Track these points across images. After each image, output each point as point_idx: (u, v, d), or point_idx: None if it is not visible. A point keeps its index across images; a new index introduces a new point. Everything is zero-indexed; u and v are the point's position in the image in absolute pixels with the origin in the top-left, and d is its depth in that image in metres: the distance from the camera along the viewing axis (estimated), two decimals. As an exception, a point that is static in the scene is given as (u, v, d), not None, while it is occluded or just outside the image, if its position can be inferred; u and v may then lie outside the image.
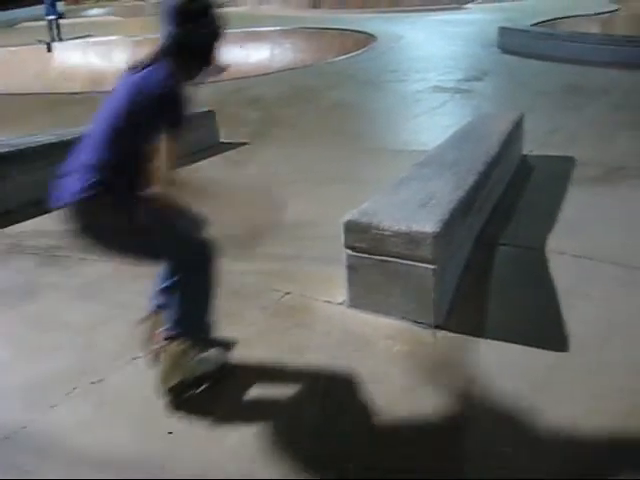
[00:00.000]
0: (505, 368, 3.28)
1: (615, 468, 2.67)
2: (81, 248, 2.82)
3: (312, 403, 3.08)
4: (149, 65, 2.66)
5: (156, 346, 3.00)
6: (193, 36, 2.66)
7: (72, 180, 2.63)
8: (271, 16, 22.14)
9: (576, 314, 3.71)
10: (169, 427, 2.87)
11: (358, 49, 15.32)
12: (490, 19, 17.32)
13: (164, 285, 2.92)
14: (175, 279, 2.85)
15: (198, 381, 3.07)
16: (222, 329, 3.65)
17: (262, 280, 4.24)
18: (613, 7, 19.37)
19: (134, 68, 2.71)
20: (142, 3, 35.95)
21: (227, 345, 3.33)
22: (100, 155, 2.62)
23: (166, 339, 2.94)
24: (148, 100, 2.58)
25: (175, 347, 2.93)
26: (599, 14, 18.39)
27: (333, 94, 10.82)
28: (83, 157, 2.66)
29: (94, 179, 2.58)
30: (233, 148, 7.87)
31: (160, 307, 3.05)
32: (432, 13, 21.27)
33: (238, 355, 3.38)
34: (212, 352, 3.18)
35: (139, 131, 2.61)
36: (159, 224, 2.73)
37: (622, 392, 3.10)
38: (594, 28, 16.91)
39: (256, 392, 3.14)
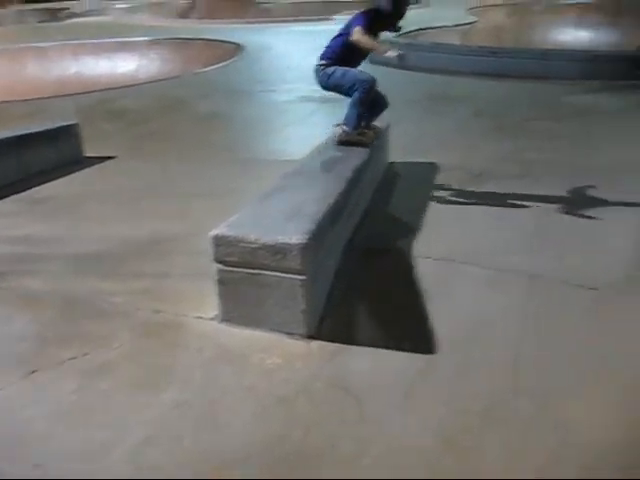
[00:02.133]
0: (378, 375, 3.33)
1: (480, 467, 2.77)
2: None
3: (184, 420, 3.01)
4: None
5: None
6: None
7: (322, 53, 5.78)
8: (138, 26, 21.64)
9: (443, 316, 3.83)
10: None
11: (227, 60, 15.25)
12: (356, 30, 17.74)
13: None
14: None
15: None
16: (90, 353, 3.52)
17: (131, 299, 4.10)
18: (472, 19, 20.29)
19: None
20: None
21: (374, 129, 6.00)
22: (331, 45, 5.75)
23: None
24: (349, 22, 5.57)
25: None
26: (459, 25, 19.21)
27: (202, 105, 10.70)
28: (326, 46, 5.78)
29: (327, 55, 5.73)
30: (99, 162, 7.60)
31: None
32: (300, 24, 21.52)
33: (106, 380, 3.26)
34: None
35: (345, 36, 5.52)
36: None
37: (487, 391, 3.22)
38: (455, 39, 17.65)
39: (127, 413, 3.04)
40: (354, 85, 5.58)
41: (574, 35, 21.06)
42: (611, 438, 2.92)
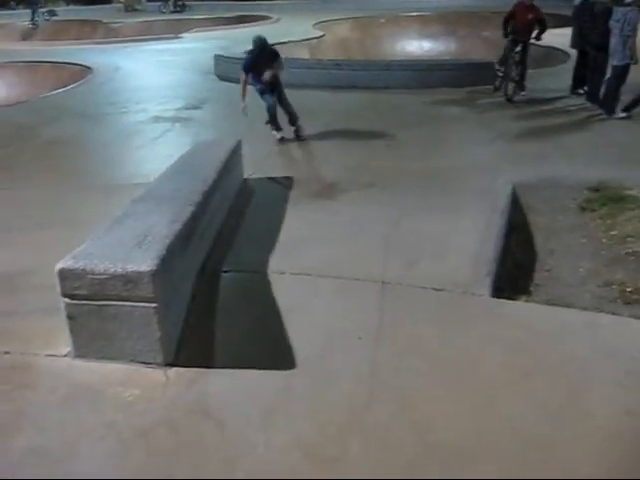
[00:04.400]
0: (236, 396, 3.35)
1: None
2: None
3: (40, 467, 2.90)
4: None
5: None
6: None
7: None
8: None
9: (299, 330, 3.90)
10: None
11: (74, 82, 14.73)
12: (205, 47, 17.63)
13: None
14: None
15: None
16: None
17: (-25, 342, 3.88)
18: (319, 33, 20.72)
19: None
20: None
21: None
22: None
23: None
24: None
25: None
26: (307, 40, 19.55)
27: (50, 130, 10.27)
28: None
29: None
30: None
31: None
32: (148, 43, 21.13)
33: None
34: None
35: None
36: None
37: (345, 402, 3.31)
38: (303, 53, 17.95)
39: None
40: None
41: (417, 45, 22.04)
42: (464, 435, 3.09)
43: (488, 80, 11.53)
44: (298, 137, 8.86)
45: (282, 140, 8.72)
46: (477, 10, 23.38)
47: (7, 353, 3.77)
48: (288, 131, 8.87)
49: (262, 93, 8.69)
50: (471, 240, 5.25)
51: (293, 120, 8.93)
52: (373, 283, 4.56)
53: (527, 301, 4.64)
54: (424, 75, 12.42)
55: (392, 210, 5.96)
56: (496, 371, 3.55)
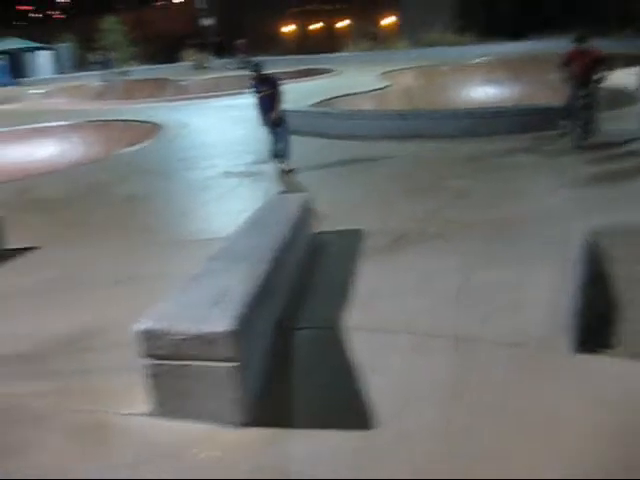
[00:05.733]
0: (316, 458, 3.32)
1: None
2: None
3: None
4: None
5: None
6: None
7: None
8: (55, 110, 21.50)
9: (376, 388, 3.86)
10: None
11: (145, 139, 15.27)
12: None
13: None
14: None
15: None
16: (17, 462, 3.39)
17: (56, 400, 3.98)
18: (385, 84, 20.97)
19: None
20: None
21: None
22: None
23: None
24: None
25: None
26: (373, 91, 19.81)
27: (123, 188, 10.63)
28: None
29: None
30: (19, 255, 7.43)
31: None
32: (216, 99, 21.77)
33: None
34: None
35: None
36: None
37: (423, 462, 3.25)
38: (368, 104, 18.17)
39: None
40: None
41: (482, 92, 22.01)
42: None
43: (555, 125, 11.39)
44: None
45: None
46: (540, 54, 23.28)
47: (86, 412, 3.84)
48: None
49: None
50: (546, 291, 5.13)
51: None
52: (447, 339, 4.49)
53: (611, 355, 4.49)
54: (490, 122, 12.38)
55: (462, 262, 5.90)
56: (574, 429, 3.43)
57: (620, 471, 3.11)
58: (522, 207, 7.60)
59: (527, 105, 15.57)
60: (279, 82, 10.87)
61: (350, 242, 6.77)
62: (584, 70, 10.47)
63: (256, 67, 10.92)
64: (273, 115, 10.56)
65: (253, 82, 10.90)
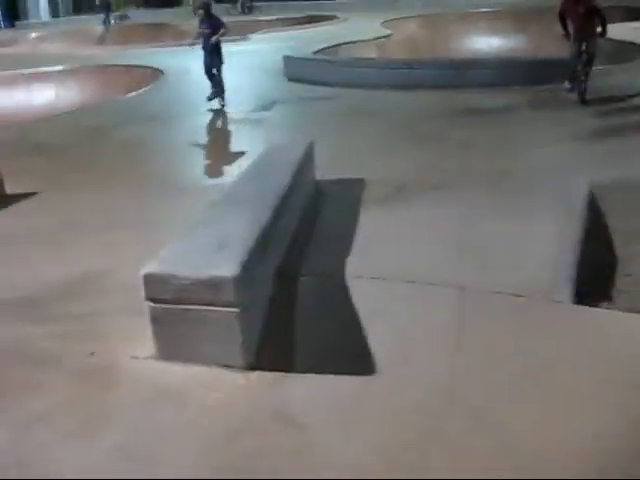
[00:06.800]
0: (316, 401, 3.37)
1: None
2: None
3: (127, 462, 2.98)
4: None
5: None
6: None
7: None
8: (53, 55, 21.17)
9: (377, 335, 3.90)
10: None
11: (146, 84, 15.08)
12: (274, 48, 17.75)
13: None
14: None
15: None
16: (23, 403, 3.44)
17: (61, 343, 4.02)
18: (387, 32, 20.63)
19: None
20: None
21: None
22: None
23: None
24: None
25: None
26: (375, 39, 19.50)
27: (123, 133, 10.53)
28: None
29: None
30: (21, 200, 7.41)
31: None
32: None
33: (42, 430, 3.20)
34: None
35: None
36: None
37: (424, 406, 3.30)
38: (372, 53, 17.93)
39: (65, 462, 2.99)
40: None
41: (487, 43, 21.69)
42: (544, 437, 3.05)
43: (562, 78, 11.25)
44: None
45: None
46: (548, 5, 22.86)
47: (92, 354, 3.88)
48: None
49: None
50: (547, 244, 5.15)
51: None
52: (449, 288, 4.52)
53: (609, 308, 4.53)
54: (493, 73, 12.24)
55: (464, 212, 5.92)
56: (576, 379, 3.48)
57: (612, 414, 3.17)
58: (525, 159, 7.56)
59: (531, 57, 15.41)
60: (221, 24, 11.34)
61: (351, 190, 6.76)
62: (580, 22, 10.11)
63: (205, 6, 11.50)
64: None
65: (200, 22, 11.44)
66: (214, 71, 11.39)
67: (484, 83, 11.86)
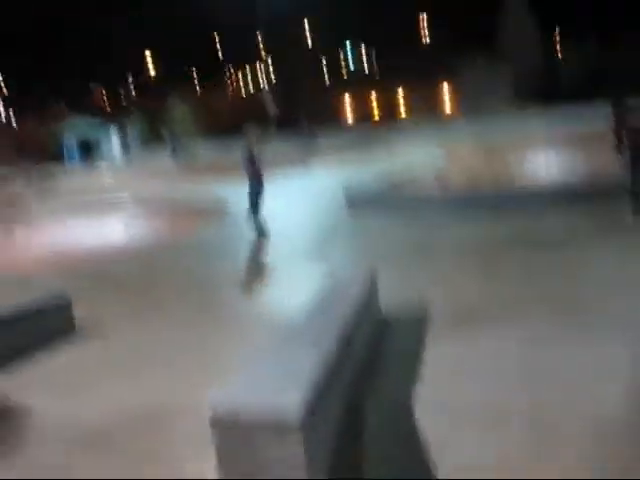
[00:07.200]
0: None
1: None
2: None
3: None
4: None
5: None
6: None
7: None
8: (123, 188, 22.26)
9: (449, 465, 3.81)
10: None
11: (213, 219, 15.53)
12: (335, 177, 18.15)
13: None
14: None
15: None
16: None
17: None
18: (443, 160, 20.95)
19: None
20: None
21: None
22: None
23: None
24: None
25: None
26: (432, 168, 19.78)
27: (189, 268, 10.81)
28: None
29: None
30: (91, 333, 7.58)
31: None
32: (279, 174, 22.10)
33: None
34: None
35: None
36: None
37: None
38: (430, 182, 18.14)
39: None
40: None
41: (546, 168, 21.78)
42: None
43: (617, 199, 11.09)
44: None
45: None
46: (601, 129, 23.07)
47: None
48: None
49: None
50: (617, 371, 4.99)
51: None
52: (521, 417, 4.39)
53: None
54: (553, 198, 12.25)
55: (529, 340, 5.83)
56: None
57: None
58: (588, 283, 7.42)
59: (590, 180, 15.34)
60: (258, 161, 12.39)
61: (416, 320, 6.73)
62: (631, 138, 10.01)
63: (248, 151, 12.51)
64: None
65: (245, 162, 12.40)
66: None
67: (543, 208, 11.84)
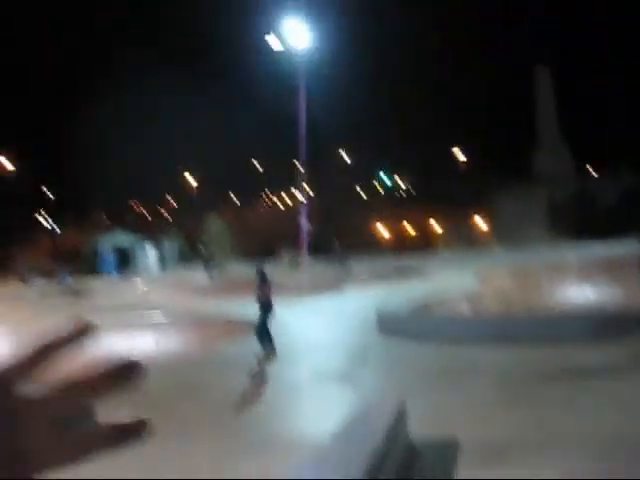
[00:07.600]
0: None
1: None
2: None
3: None
4: None
5: None
6: None
7: None
8: (158, 304, 22.43)
9: None
10: None
11: (241, 336, 15.51)
12: (367, 300, 18.16)
13: None
14: None
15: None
16: None
17: None
18: (477, 284, 20.90)
19: None
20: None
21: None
22: None
23: None
24: None
25: None
26: (466, 293, 19.74)
27: (217, 386, 10.73)
28: None
29: None
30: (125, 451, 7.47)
31: None
32: (310, 297, 22.16)
33: None
34: None
35: None
36: None
37: None
38: (464, 307, 18.06)
39: None
40: None
41: (580, 294, 21.59)
42: None
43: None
44: None
45: None
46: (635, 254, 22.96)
47: None
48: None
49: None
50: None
51: None
52: None
53: None
54: (590, 326, 12.07)
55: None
56: None
57: None
58: (631, 419, 7.16)
59: (627, 307, 15.14)
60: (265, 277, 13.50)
61: (446, 451, 6.52)
62: None
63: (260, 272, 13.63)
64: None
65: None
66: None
67: (580, 336, 11.64)
